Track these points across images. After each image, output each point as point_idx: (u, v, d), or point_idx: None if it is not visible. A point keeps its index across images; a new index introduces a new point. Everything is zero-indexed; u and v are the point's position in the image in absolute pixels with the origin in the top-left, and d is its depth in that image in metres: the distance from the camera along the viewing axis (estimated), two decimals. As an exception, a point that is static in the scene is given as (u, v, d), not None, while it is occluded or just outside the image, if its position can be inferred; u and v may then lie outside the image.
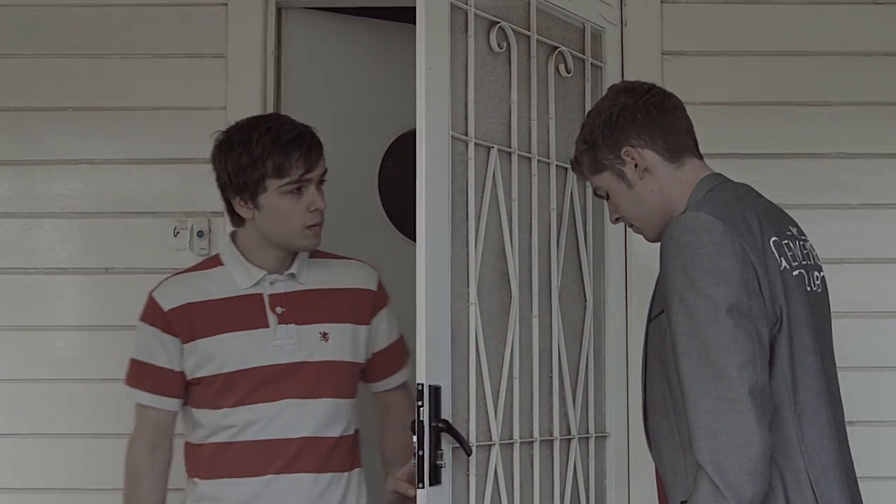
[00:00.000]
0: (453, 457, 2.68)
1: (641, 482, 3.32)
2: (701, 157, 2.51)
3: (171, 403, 2.85)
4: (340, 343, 2.83)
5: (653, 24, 3.51)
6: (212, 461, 2.79)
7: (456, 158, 2.77)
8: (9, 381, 3.40)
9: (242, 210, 2.76)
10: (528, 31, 3.06)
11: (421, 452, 2.56)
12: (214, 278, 2.83)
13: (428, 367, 2.59)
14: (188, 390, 2.84)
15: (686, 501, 2.23)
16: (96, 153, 3.46)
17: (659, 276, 2.36)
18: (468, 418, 2.75)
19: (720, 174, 2.48)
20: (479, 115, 2.85)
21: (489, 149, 2.89)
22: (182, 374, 2.81)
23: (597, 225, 3.31)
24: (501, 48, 2.95)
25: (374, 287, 2.94)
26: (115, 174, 3.44)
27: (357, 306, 2.89)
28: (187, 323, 2.78)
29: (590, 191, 3.23)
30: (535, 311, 3.00)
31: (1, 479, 3.38)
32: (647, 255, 3.33)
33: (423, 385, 2.58)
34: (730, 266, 2.21)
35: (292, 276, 2.84)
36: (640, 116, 2.45)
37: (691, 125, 2.53)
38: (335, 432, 2.81)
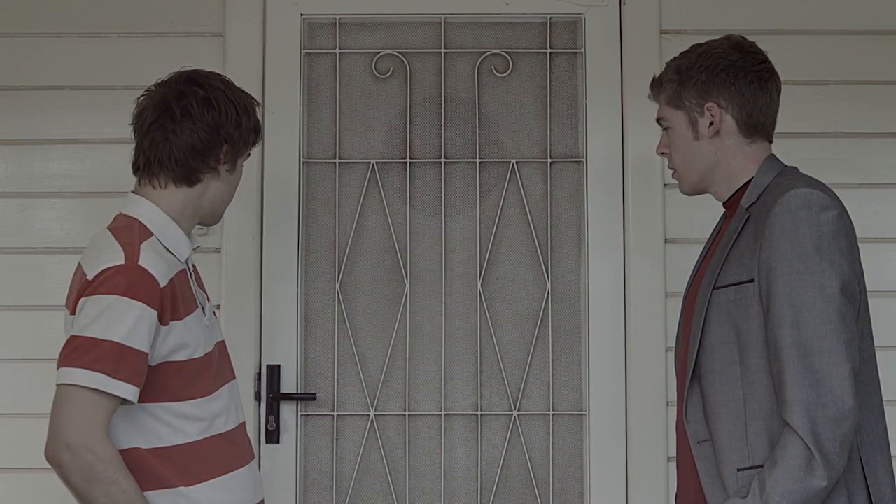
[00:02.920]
0: (315, 423, 3.39)
1: (641, 460, 3.35)
2: (771, 142, 2.61)
3: (137, 397, 2.33)
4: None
5: (651, 2, 3.50)
6: (192, 463, 2.41)
7: (318, 179, 3.44)
8: (6, 360, 3.39)
9: (220, 167, 2.47)
10: (438, 48, 3.48)
11: (259, 418, 3.36)
12: (160, 249, 2.42)
13: (265, 350, 3.38)
14: None
15: (760, 466, 2.32)
16: (94, 132, 3.44)
17: (740, 243, 2.45)
18: (333, 391, 3.40)
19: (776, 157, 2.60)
20: (356, 137, 3.45)
21: (368, 164, 3.44)
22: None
23: (570, 209, 3.45)
24: (387, 73, 3.46)
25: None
26: (113, 153, 3.41)
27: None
28: (170, 301, 2.36)
29: (552, 181, 3.40)
30: (443, 300, 3.41)
31: None
32: (649, 237, 3.36)
33: (260, 364, 3.37)
34: (846, 246, 2.30)
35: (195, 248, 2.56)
36: (741, 83, 2.47)
37: (777, 112, 2.62)
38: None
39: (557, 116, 3.49)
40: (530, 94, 3.50)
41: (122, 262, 2.32)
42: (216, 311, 2.62)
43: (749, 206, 2.42)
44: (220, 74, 2.56)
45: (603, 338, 3.40)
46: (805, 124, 3.44)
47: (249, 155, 2.58)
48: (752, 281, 2.32)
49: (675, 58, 2.55)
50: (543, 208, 3.47)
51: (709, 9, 3.46)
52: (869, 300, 3.34)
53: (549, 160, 3.47)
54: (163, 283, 2.33)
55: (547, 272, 3.45)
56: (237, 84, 2.59)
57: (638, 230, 3.41)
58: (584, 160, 3.46)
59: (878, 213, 3.42)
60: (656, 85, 2.55)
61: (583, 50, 3.48)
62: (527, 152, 3.49)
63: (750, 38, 3.42)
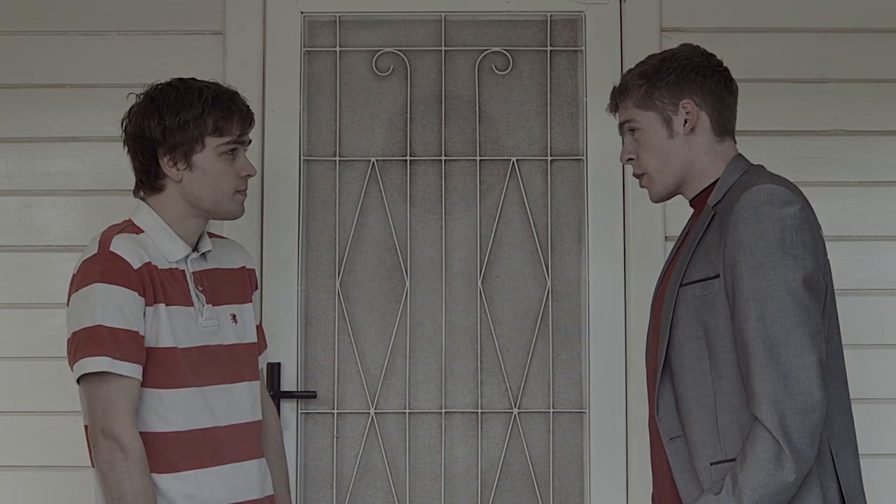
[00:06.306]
0: (316, 421, 3.41)
1: (641, 458, 3.34)
2: (736, 142, 2.65)
3: (140, 374, 2.50)
4: (246, 324, 2.75)
5: (651, 0, 3.50)
6: (172, 453, 2.53)
7: (318, 176, 3.45)
8: (6, 358, 3.40)
9: (171, 171, 2.60)
10: (439, 46, 3.48)
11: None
12: (146, 245, 2.59)
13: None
14: None
15: (733, 459, 2.35)
16: (94, 130, 3.44)
17: (706, 240, 2.48)
18: (333, 389, 3.41)
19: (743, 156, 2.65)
20: (356, 135, 3.46)
21: (368, 162, 3.45)
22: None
23: (571, 207, 3.46)
24: (387, 71, 3.47)
25: (251, 265, 2.87)
26: (113, 151, 3.35)
27: (244, 285, 2.81)
28: (151, 284, 2.52)
29: (552, 179, 3.42)
30: (443, 297, 3.42)
31: (-1, 457, 3.41)
32: (649, 235, 3.36)
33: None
34: (809, 240, 2.31)
35: (205, 253, 2.70)
36: (711, 81, 2.51)
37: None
38: (258, 416, 2.72)
39: (558, 114, 3.49)
40: (530, 91, 3.50)
41: (95, 251, 2.54)
42: (234, 315, 2.71)
43: (715, 205, 2.45)
44: (182, 79, 2.67)
45: (603, 335, 3.40)
46: (805, 122, 3.45)
47: (231, 141, 2.64)
48: (717, 277, 2.35)
49: (632, 68, 2.59)
50: (544, 206, 3.47)
51: (709, 7, 3.47)
52: (868, 298, 3.37)
53: (550, 158, 3.48)
54: (136, 265, 2.51)
55: (547, 270, 3.45)
56: (238, 83, 2.65)
57: (638, 228, 3.41)
58: (584, 158, 3.46)
59: (879, 211, 3.42)
60: (620, 92, 2.59)
61: (583, 48, 3.49)
62: (527, 150, 3.49)
63: (750, 36, 3.47)
